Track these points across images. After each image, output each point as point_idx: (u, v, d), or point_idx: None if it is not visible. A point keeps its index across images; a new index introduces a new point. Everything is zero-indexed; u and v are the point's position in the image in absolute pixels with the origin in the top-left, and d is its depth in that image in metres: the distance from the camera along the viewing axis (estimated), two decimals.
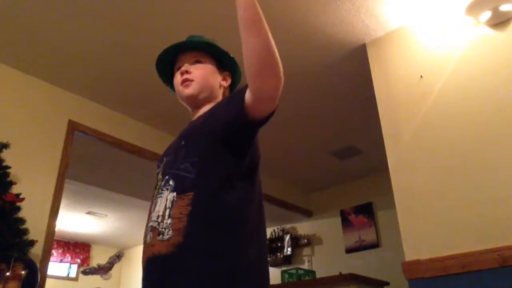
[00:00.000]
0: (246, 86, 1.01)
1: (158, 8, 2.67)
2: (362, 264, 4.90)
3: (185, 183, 1.03)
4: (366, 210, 5.26)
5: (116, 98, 3.60)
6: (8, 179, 2.61)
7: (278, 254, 5.89)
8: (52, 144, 3.23)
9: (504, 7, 2.33)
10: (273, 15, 2.66)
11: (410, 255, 2.29)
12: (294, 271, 4.59)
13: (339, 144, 4.50)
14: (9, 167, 2.63)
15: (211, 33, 1.33)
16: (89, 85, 3.43)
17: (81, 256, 7.79)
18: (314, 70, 3.28)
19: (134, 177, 4.64)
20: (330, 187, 5.67)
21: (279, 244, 5.94)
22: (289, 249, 5.79)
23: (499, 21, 2.40)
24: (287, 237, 5.88)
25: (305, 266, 5.47)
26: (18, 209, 2.58)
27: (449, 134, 2.39)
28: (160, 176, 1.12)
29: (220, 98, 1.27)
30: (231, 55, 1.28)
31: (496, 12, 2.35)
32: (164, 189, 1.06)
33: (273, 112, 1.01)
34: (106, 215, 6.53)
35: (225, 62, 1.29)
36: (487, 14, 2.38)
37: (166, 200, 1.03)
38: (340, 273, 4.01)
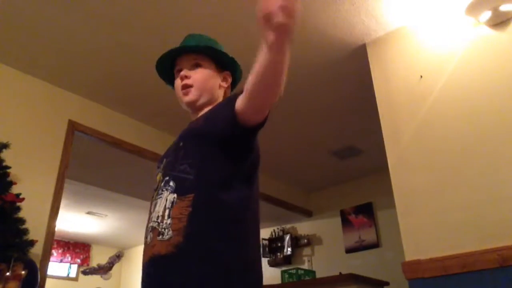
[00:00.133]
0: (238, 94, 0.99)
1: (158, 8, 2.67)
2: (362, 264, 4.90)
3: (185, 184, 1.03)
4: (366, 210, 5.26)
5: (116, 98, 3.60)
6: (8, 179, 2.61)
7: (278, 254, 5.89)
8: (52, 144, 3.23)
9: (504, 7, 2.33)
10: None
11: (410, 255, 2.29)
12: (294, 271, 4.59)
13: (339, 144, 4.50)
14: (9, 167, 2.63)
15: (211, 33, 1.33)
16: (89, 85, 3.43)
17: (81, 256, 7.79)
18: (314, 70, 3.28)
19: (134, 177, 4.64)
20: (330, 187, 5.67)
21: (279, 244, 5.94)
22: (289, 249, 5.79)
23: (499, 21, 2.40)
24: (287, 237, 5.87)
25: (305, 266, 5.47)
26: (18, 209, 2.57)
27: (449, 134, 2.39)
28: (160, 177, 1.12)
29: (220, 99, 1.27)
30: (230, 55, 1.27)
31: (496, 12, 2.35)
32: (164, 189, 1.07)
33: (266, 118, 1.01)
34: (106, 215, 6.54)
35: (224, 62, 1.29)
36: (487, 14, 2.38)
37: (166, 200, 1.03)
38: (340, 273, 4.02)
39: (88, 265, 7.80)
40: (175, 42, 1.31)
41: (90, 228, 7.13)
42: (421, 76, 2.59)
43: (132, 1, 2.61)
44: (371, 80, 2.84)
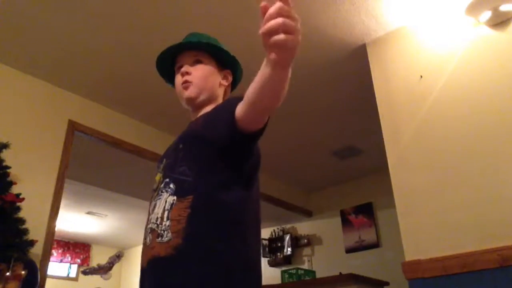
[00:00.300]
0: (239, 99, 0.99)
1: (159, 8, 2.67)
2: (362, 264, 4.90)
3: (184, 186, 1.03)
4: (366, 210, 5.26)
5: (116, 98, 3.60)
6: (8, 179, 2.61)
7: (278, 254, 5.89)
8: (52, 144, 3.23)
9: (504, 7, 2.33)
10: None
11: (410, 255, 2.29)
12: (294, 271, 4.59)
13: (339, 144, 4.50)
14: (9, 167, 2.63)
15: (212, 33, 1.33)
16: (89, 85, 3.43)
17: (81, 256, 7.80)
18: (314, 70, 3.28)
19: (134, 177, 4.64)
20: (330, 187, 5.67)
21: (279, 244, 5.94)
22: (289, 249, 5.79)
23: (499, 21, 2.40)
24: (287, 237, 5.88)
25: (305, 266, 5.47)
26: (18, 209, 2.57)
27: (449, 134, 2.39)
28: (160, 178, 1.12)
29: (220, 97, 1.27)
30: (232, 54, 1.27)
31: (496, 12, 2.35)
32: (163, 191, 1.06)
33: (266, 125, 1.00)
34: (106, 215, 6.54)
35: (225, 61, 1.28)
36: (487, 14, 2.38)
37: (165, 202, 1.03)
38: (340, 273, 4.01)
39: (88, 265, 7.80)
40: (175, 42, 1.31)
41: (90, 228, 7.13)
42: (421, 76, 2.59)
43: (132, 1, 2.61)
44: (371, 80, 2.84)
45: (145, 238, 1.06)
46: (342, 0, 2.63)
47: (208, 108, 1.21)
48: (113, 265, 8.05)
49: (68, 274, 7.65)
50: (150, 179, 1.19)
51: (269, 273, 5.78)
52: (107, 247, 8.18)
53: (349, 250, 5.23)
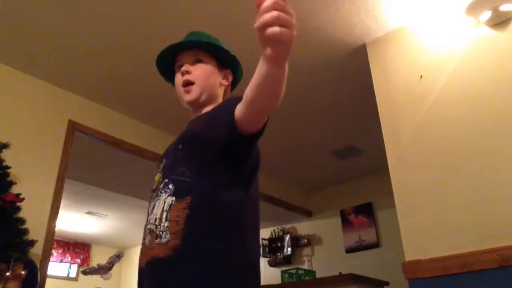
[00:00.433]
0: (238, 99, 0.98)
1: (159, 8, 2.67)
2: (362, 264, 4.90)
3: (182, 187, 1.03)
4: (366, 210, 5.26)
5: (116, 98, 3.60)
6: (8, 179, 2.61)
7: (278, 254, 5.89)
8: (52, 144, 3.23)
9: (504, 7, 2.33)
10: None
11: (410, 255, 2.29)
12: (294, 271, 4.59)
13: (339, 144, 4.50)
14: (9, 167, 2.63)
15: (212, 33, 1.32)
16: (89, 85, 3.43)
17: (81, 256, 7.80)
18: (314, 70, 3.28)
19: (134, 177, 4.64)
20: (330, 187, 5.67)
21: (279, 244, 5.94)
22: (289, 249, 5.79)
23: (499, 21, 2.40)
24: (287, 237, 5.88)
25: (305, 266, 5.47)
26: (18, 209, 2.57)
27: (449, 134, 2.39)
28: (159, 178, 1.12)
29: (220, 97, 1.26)
30: (232, 53, 1.27)
31: (496, 12, 2.35)
32: (162, 191, 1.06)
33: (265, 126, 1.00)
34: (106, 215, 6.54)
35: (226, 60, 1.28)
36: (487, 14, 2.38)
37: (164, 203, 1.03)
38: (340, 273, 4.01)
39: (88, 265, 7.80)
40: (175, 42, 1.31)
41: (90, 228, 7.13)
42: (421, 76, 2.59)
43: (132, 1, 2.61)
44: (371, 80, 2.84)
45: (144, 239, 1.06)
46: (342, 0, 2.63)
47: (208, 108, 1.21)
48: (113, 265, 8.04)
49: (68, 274, 7.65)
50: (150, 179, 1.19)
51: (269, 273, 5.78)
52: (107, 247, 8.19)
53: (349, 250, 5.23)
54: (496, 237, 2.05)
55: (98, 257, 7.99)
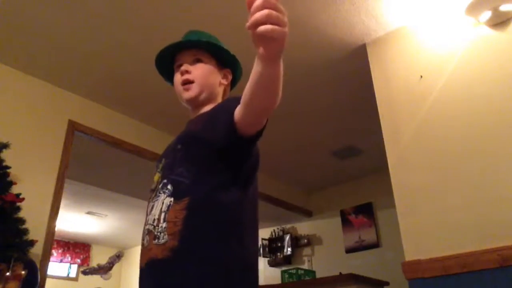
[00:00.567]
0: (238, 100, 0.98)
1: (159, 8, 2.67)
2: (362, 264, 4.90)
3: (181, 188, 1.03)
4: (366, 210, 5.26)
5: (116, 98, 3.60)
6: (8, 179, 2.61)
7: (278, 254, 5.89)
8: (52, 144, 3.23)
9: (504, 7, 2.33)
10: None
11: (410, 255, 2.29)
12: (294, 271, 4.59)
13: (339, 144, 4.50)
14: (9, 167, 2.63)
15: (213, 33, 1.32)
16: (89, 85, 3.43)
17: (81, 256, 7.80)
18: (314, 70, 3.28)
19: (134, 177, 4.64)
20: (330, 187, 5.67)
21: (279, 244, 5.94)
22: (289, 249, 5.79)
23: (499, 21, 2.40)
24: (287, 237, 5.88)
25: (305, 266, 5.47)
26: (18, 209, 2.57)
27: (449, 134, 2.39)
28: (158, 178, 1.11)
29: (220, 96, 1.26)
30: (232, 53, 1.26)
31: (496, 12, 2.35)
32: (161, 192, 1.06)
33: (264, 127, 1.00)
34: (106, 215, 6.54)
35: (225, 59, 1.28)
36: (487, 14, 2.38)
37: (163, 204, 1.03)
38: (340, 273, 4.01)
39: (88, 265, 7.80)
40: (175, 41, 1.31)
41: (90, 228, 7.13)
42: (421, 76, 2.59)
43: (132, 1, 2.61)
44: (371, 80, 2.84)
45: (143, 239, 1.06)
46: (342, 0, 2.63)
47: (207, 108, 1.21)
48: (113, 265, 8.05)
49: (68, 274, 7.65)
50: (150, 179, 1.19)
51: (269, 273, 5.78)
52: (107, 247, 8.19)
53: (349, 250, 5.23)
54: (496, 237, 2.05)
55: (98, 257, 7.99)
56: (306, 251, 5.75)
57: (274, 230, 6.12)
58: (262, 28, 0.73)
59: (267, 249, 6.00)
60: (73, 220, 6.69)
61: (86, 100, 3.57)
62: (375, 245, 5.03)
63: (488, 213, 2.12)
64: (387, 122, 2.67)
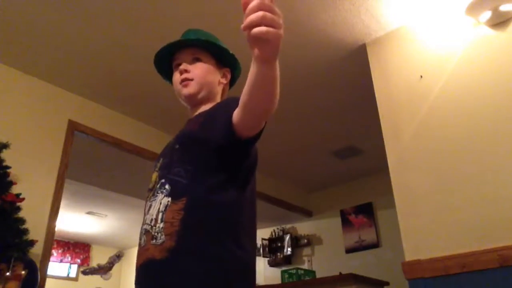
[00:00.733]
0: (237, 100, 0.98)
1: (159, 8, 2.67)
2: (362, 264, 4.90)
3: (178, 188, 1.02)
4: (366, 210, 5.26)
5: (116, 98, 3.60)
6: (8, 179, 2.61)
7: (278, 254, 5.89)
8: (52, 144, 3.23)
9: (504, 7, 2.33)
10: None
11: (410, 255, 2.29)
12: (294, 271, 4.59)
13: (339, 144, 4.50)
14: (9, 167, 2.63)
15: (213, 33, 1.32)
16: (89, 85, 3.43)
17: (81, 256, 7.80)
18: (314, 70, 3.28)
19: (134, 177, 4.65)
20: (330, 187, 5.67)
21: (279, 244, 5.94)
22: (289, 249, 5.79)
23: (499, 21, 2.40)
24: (287, 237, 5.88)
25: (305, 266, 5.48)
26: (18, 209, 2.58)
27: (449, 134, 2.39)
28: (156, 178, 1.11)
29: (219, 95, 1.26)
30: (231, 52, 1.26)
31: (496, 12, 2.35)
32: (159, 191, 1.06)
33: (262, 130, 1.00)
34: (106, 215, 6.54)
35: (224, 58, 1.27)
36: (487, 14, 2.38)
37: (160, 204, 1.03)
38: (340, 273, 4.02)
39: (88, 265, 7.81)
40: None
41: (90, 228, 7.13)
42: (421, 76, 2.59)
43: (132, 1, 2.61)
44: (371, 80, 2.84)
45: (140, 239, 1.05)
46: (342, 0, 2.63)
47: (206, 106, 1.20)
48: (113, 265, 8.05)
49: (68, 274, 7.65)
50: (150, 179, 1.19)
51: (269, 273, 5.79)
52: (107, 247, 8.19)
53: (349, 250, 5.23)
54: (496, 237, 2.05)
55: (98, 257, 8.00)
56: (306, 251, 5.75)
57: (274, 230, 6.12)
58: (256, 30, 0.73)
59: (267, 249, 6.00)
60: (73, 220, 6.69)
61: (86, 100, 3.57)
62: (375, 245, 5.03)
63: (488, 213, 2.12)
64: (387, 122, 2.67)
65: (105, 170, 4.66)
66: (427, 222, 2.30)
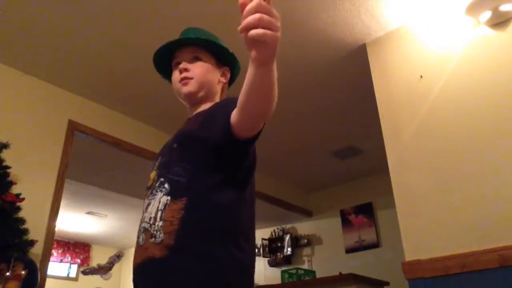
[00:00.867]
0: (236, 100, 0.97)
1: (159, 8, 2.67)
2: (362, 264, 4.90)
3: (178, 187, 1.02)
4: (366, 210, 5.26)
5: (115, 98, 3.60)
6: (8, 179, 2.61)
7: (278, 254, 5.89)
8: (52, 144, 3.23)
9: (504, 7, 2.33)
10: None
11: (410, 255, 2.29)
12: (294, 271, 4.59)
13: (339, 144, 4.50)
14: (9, 167, 2.63)
15: (213, 31, 1.32)
16: (89, 85, 3.43)
17: (81, 256, 7.80)
18: (314, 70, 3.28)
19: (134, 177, 4.64)
20: (330, 187, 5.67)
21: (279, 244, 5.94)
22: (289, 249, 5.80)
23: (499, 21, 2.40)
24: (287, 237, 5.88)
25: (305, 266, 5.48)
26: (18, 209, 2.58)
27: (449, 134, 2.39)
28: (154, 177, 1.11)
29: (218, 94, 1.26)
30: (230, 51, 1.26)
31: (496, 12, 2.35)
32: (158, 190, 1.06)
33: (261, 131, 0.99)
34: (106, 215, 6.54)
35: (224, 57, 1.27)
36: (487, 14, 2.38)
37: (159, 202, 1.03)
38: (340, 273, 4.02)
39: (88, 265, 7.81)
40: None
41: (90, 228, 7.13)
42: (421, 76, 2.59)
43: (132, 1, 2.61)
44: (371, 80, 2.84)
45: (138, 237, 1.05)
46: (342, 0, 2.63)
47: (205, 106, 1.20)
48: (113, 265, 8.05)
49: (68, 274, 7.65)
50: (148, 178, 1.19)
51: (269, 273, 5.79)
52: (107, 247, 8.18)
53: (349, 250, 5.23)
54: (496, 237, 2.05)
55: (98, 257, 8.00)
56: (306, 251, 5.75)
57: (274, 230, 6.12)
58: (253, 32, 0.72)
59: (267, 249, 6.00)
60: (73, 220, 6.69)
61: (86, 100, 3.57)
62: (375, 245, 5.03)
63: (488, 213, 2.12)
64: (387, 122, 2.67)
65: (105, 170, 4.66)
66: (427, 222, 2.30)
